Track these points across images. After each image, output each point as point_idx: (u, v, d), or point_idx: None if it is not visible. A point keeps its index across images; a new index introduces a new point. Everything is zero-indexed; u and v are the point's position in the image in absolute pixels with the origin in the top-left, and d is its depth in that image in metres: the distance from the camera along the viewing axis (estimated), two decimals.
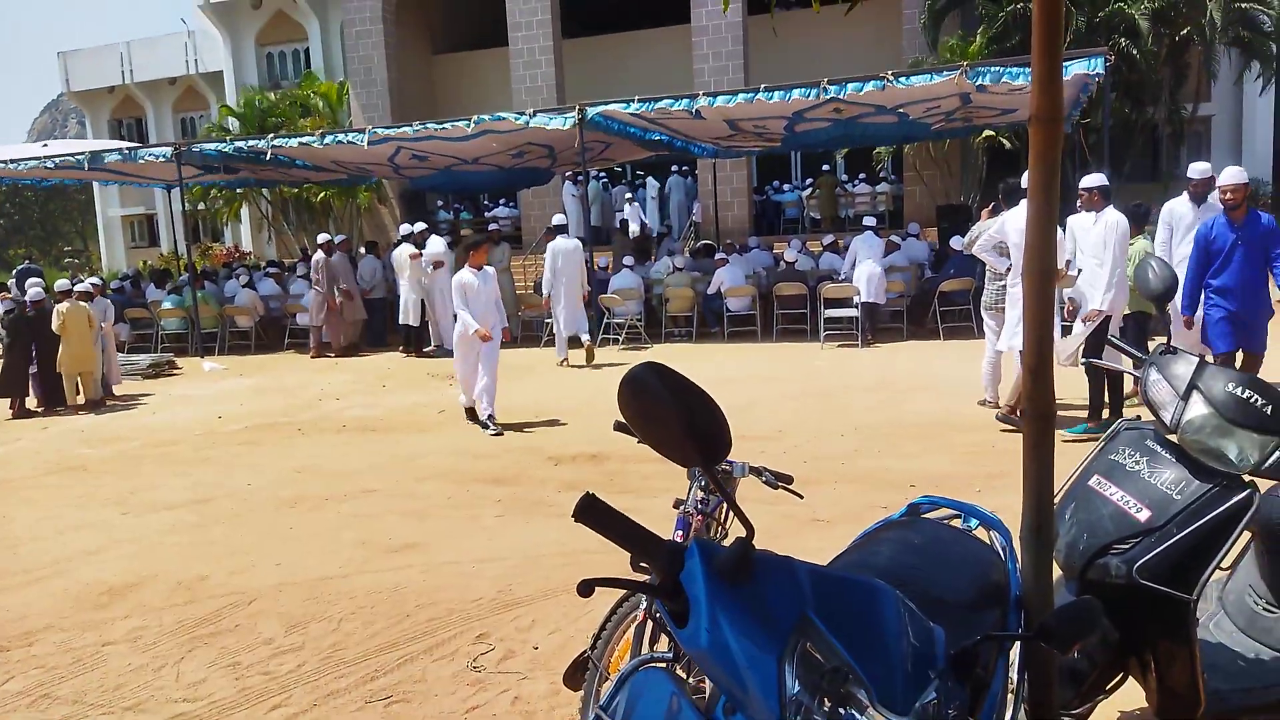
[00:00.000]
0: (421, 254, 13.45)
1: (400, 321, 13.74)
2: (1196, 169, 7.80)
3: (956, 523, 2.43)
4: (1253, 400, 2.53)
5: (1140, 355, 2.95)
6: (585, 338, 11.99)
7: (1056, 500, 2.49)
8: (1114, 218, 7.00)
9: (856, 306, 11.98)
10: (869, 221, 13.02)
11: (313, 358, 14.04)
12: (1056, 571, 2.43)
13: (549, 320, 13.47)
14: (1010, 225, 7.21)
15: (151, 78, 30.81)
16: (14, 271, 18.41)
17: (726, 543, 1.48)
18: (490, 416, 8.26)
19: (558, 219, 12.76)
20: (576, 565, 4.75)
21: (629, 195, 21.15)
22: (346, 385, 11.48)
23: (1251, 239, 6.61)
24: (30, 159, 16.14)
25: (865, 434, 7.29)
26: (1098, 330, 6.78)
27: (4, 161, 15.98)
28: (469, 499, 6.25)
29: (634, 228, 19.18)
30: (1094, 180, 7.25)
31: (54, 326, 10.56)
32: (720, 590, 1.39)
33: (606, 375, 11.08)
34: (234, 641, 4.20)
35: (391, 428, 8.81)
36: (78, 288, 11.32)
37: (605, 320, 13.40)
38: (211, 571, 5.12)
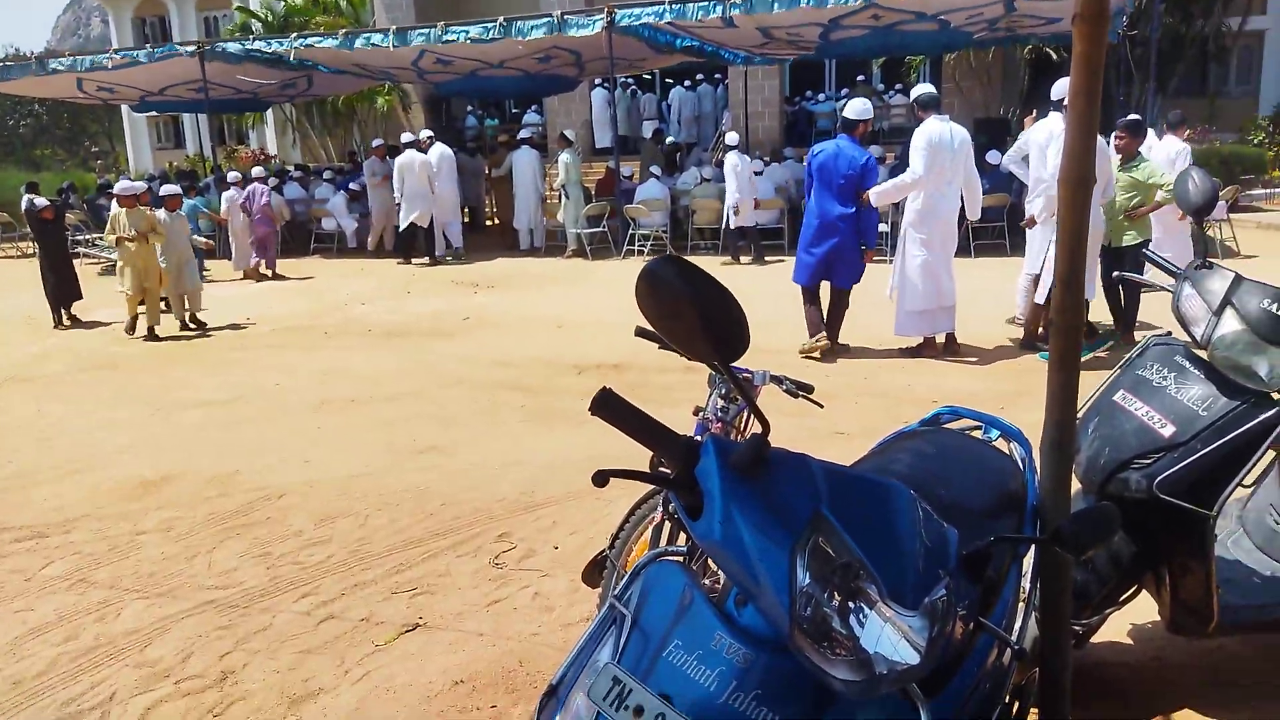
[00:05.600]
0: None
1: (402, 229, 13.60)
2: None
3: (977, 434, 2.44)
4: None
5: (1176, 269, 2.89)
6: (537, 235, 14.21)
7: (1080, 414, 2.48)
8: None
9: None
10: (731, 140, 12.27)
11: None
12: (1075, 485, 2.44)
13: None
14: (1033, 137, 6.91)
15: None
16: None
17: None
18: None
19: (524, 132, 14.86)
20: (592, 469, 4.81)
21: (646, 119, 20.69)
22: (372, 290, 11.53)
23: None
24: (56, 63, 16.02)
25: (890, 349, 7.26)
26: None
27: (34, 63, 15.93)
28: (493, 405, 6.32)
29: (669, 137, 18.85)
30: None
31: (108, 234, 9.41)
32: (734, 484, 1.40)
33: (629, 286, 11.04)
34: (264, 533, 4.33)
35: (416, 333, 8.87)
36: (164, 189, 10.13)
37: (631, 231, 13.28)
38: (242, 467, 5.24)
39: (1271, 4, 18.88)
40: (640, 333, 2.82)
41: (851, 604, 1.33)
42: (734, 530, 1.36)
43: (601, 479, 1.48)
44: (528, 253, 14.14)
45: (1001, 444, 2.35)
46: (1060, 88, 6.71)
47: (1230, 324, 2.56)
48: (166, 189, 9.92)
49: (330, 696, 2.96)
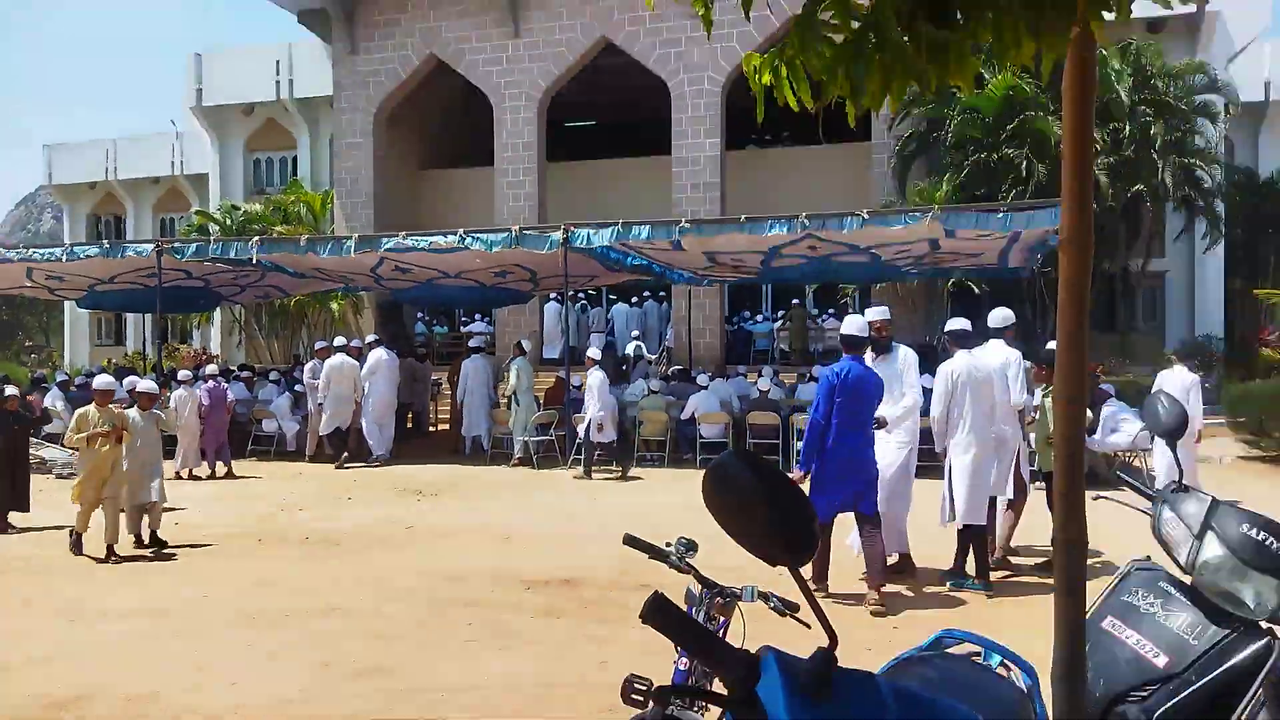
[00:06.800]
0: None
1: (324, 431, 13.67)
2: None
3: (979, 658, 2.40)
4: (1269, 543, 2.51)
5: (1151, 492, 2.95)
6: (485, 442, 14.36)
7: None
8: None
9: None
10: (594, 355, 12.79)
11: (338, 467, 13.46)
12: None
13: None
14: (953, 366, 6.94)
15: (135, 176, 31.07)
16: None
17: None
18: None
19: (473, 341, 15.78)
20: (553, 697, 4.57)
21: (634, 333, 21.32)
22: (311, 495, 11.21)
23: None
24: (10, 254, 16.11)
25: (838, 567, 7.19)
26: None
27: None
28: (438, 623, 6.03)
29: (631, 350, 19.58)
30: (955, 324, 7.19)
31: (69, 438, 8.20)
32: (802, 706, 1.34)
33: (586, 496, 10.94)
34: None
35: (357, 542, 8.56)
36: (140, 385, 8.87)
37: (578, 441, 13.32)
38: (164, 688, 4.85)
39: (1169, 249, 20.67)
40: (630, 541, 2.74)
41: None
42: None
43: (663, 697, 1.42)
44: (473, 459, 14.02)
45: (1003, 669, 2.31)
46: (997, 316, 7.41)
47: (1213, 549, 2.58)
48: (144, 385, 8.79)
49: None
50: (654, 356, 19.82)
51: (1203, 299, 21.47)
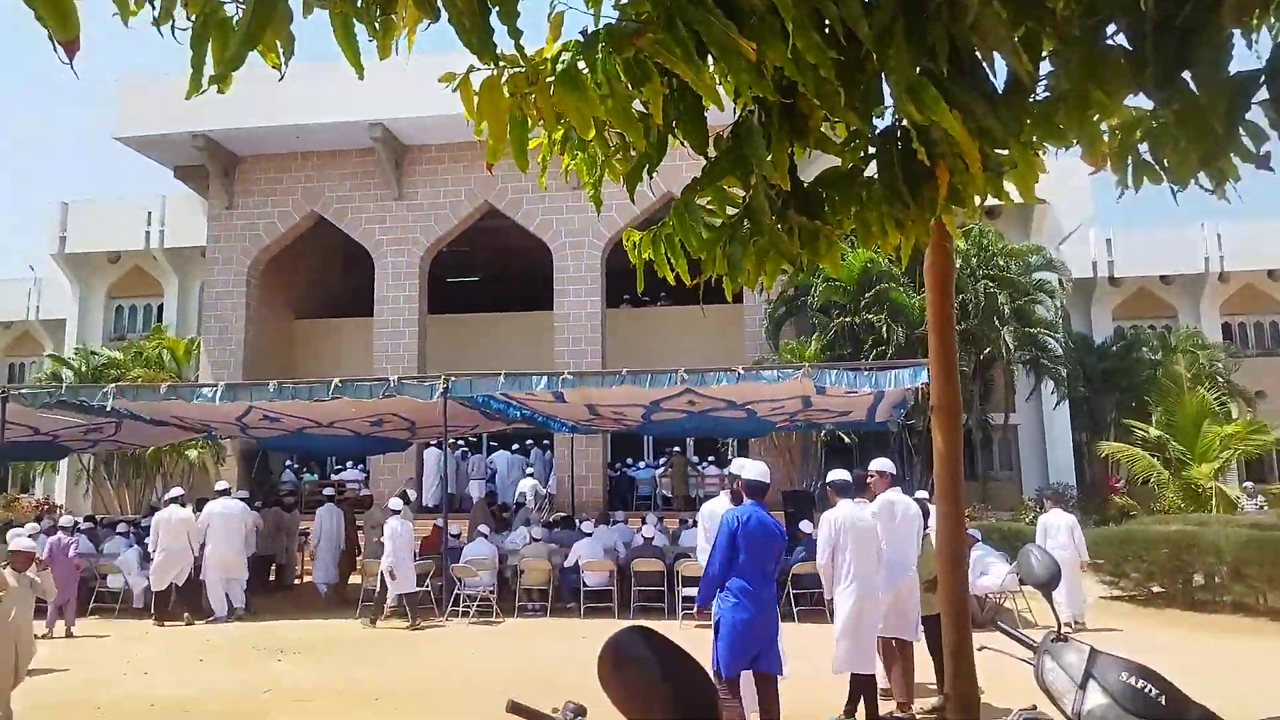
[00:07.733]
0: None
1: (157, 588, 12.88)
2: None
3: None
4: (1147, 690, 2.66)
5: (1031, 642, 3.11)
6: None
7: None
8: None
9: None
10: (395, 505, 12.59)
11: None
12: None
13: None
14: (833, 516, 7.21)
15: None
16: None
17: None
18: None
19: (328, 490, 15.37)
20: None
21: (529, 468, 21.38)
22: (158, 657, 10.35)
23: None
24: None
25: None
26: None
27: None
28: None
29: (529, 498, 19.32)
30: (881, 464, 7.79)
31: None
32: None
33: (457, 651, 10.50)
34: None
35: (207, 712, 7.92)
36: (13, 543, 7.78)
37: (456, 591, 12.88)
38: None
39: (1021, 405, 22.28)
40: (515, 708, 2.62)
41: None
42: None
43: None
44: (340, 611, 13.31)
45: None
46: (885, 464, 7.79)
47: (1096, 697, 2.71)
48: (17, 543, 7.71)
49: None
50: (536, 503, 19.64)
51: (1054, 450, 23.00)
